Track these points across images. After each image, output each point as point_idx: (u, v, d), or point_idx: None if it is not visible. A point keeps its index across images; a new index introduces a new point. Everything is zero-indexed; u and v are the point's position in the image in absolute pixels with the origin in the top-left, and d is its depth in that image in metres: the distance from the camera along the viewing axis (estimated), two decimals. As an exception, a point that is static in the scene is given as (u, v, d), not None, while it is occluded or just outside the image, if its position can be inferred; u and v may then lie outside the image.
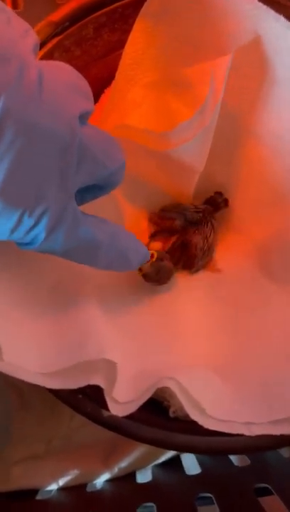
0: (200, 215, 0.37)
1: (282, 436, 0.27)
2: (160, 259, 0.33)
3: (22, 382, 0.45)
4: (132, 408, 0.26)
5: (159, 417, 0.30)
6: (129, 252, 0.28)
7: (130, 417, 0.26)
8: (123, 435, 0.29)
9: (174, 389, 0.27)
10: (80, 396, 0.28)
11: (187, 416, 0.29)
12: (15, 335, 0.26)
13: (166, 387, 0.27)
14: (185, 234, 0.37)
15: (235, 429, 0.27)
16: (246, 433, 0.27)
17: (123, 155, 0.25)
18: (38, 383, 0.26)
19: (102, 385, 0.26)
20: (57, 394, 0.28)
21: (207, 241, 0.36)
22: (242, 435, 0.27)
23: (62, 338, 0.27)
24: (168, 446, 0.30)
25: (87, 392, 0.28)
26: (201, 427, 0.26)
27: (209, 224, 0.37)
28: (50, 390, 0.27)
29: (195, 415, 0.27)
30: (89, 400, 0.28)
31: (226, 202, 0.38)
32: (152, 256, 0.32)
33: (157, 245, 0.36)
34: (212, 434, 0.27)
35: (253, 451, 0.29)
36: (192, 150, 0.31)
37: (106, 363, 0.27)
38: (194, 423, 0.27)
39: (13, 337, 0.26)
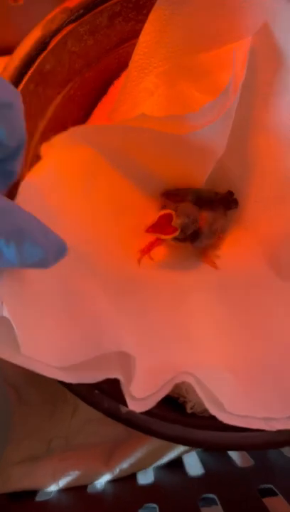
0: (214, 195, 0.36)
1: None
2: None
3: (20, 382, 0.44)
4: (151, 404, 0.26)
5: (176, 412, 0.30)
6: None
7: (148, 413, 0.26)
8: (142, 432, 0.28)
9: (193, 384, 0.26)
10: (97, 392, 0.27)
11: (204, 411, 0.29)
12: (34, 329, 0.25)
13: (182, 383, 0.27)
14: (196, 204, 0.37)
15: (254, 425, 0.27)
16: (266, 428, 0.26)
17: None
18: (56, 377, 0.25)
19: (121, 379, 0.25)
20: (74, 390, 0.27)
21: (215, 222, 0.36)
22: (261, 430, 0.26)
23: (79, 332, 0.27)
24: (189, 443, 0.30)
25: (104, 388, 0.28)
26: (220, 422, 0.26)
27: (221, 208, 0.37)
28: (67, 386, 0.26)
29: (214, 410, 0.26)
30: (106, 396, 0.27)
31: (236, 202, 0.38)
32: (170, 215, 0.32)
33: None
34: (231, 430, 0.27)
35: (274, 447, 0.29)
36: (214, 132, 0.31)
37: (123, 357, 0.26)
38: (212, 419, 0.26)
39: (31, 331, 0.25)
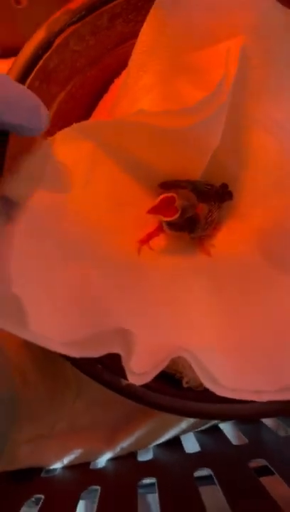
0: (209, 187, 0.38)
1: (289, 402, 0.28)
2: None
3: (25, 366, 0.46)
4: (149, 377, 0.28)
5: (173, 387, 0.32)
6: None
7: (146, 386, 0.28)
8: (142, 404, 0.30)
9: (189, 359, 0.28)
10: (99, 366, 0.30)
11: (199, 386, 0.31)
12: (40, 306, 0.27)
13: (179, 360, 0.29)
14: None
15: (246, 397, 0.29)
16: (257, 399, 0.28)
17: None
18: (61, 352, 0.27)
19: (122, 354, 0.27)
20: (78, 364, 0.29)
21: (211, 213, 0.38)
22: (252, 402, 0.28)
23: (82, 310, 0.29)
24: (185, 413, 0.32)
25: (106, 362, 0.30)
26: (214, 395, 0.28)
27: (216, 202, 0.38)
28: (71, 361, 0.28)
29: (208, 384, 0.28)
30: (107, 370, 0.29)
31: (230, 194, 0.40)
32: (173, 198, 0.34)
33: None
34: (225, 402, 0.29)
35: (263, 416, 0.31)
36: (208, 126, 0.33)
37: (124, 334, 0.28)
38: (206, 392, 0.28)
39: (38, 308, 0.27)
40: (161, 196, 0.34)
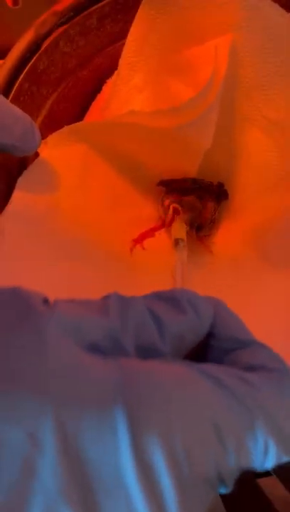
0: (209, 183, 0.38)
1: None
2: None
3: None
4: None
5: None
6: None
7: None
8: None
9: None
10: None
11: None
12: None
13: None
14: (198, 195, 0.38)
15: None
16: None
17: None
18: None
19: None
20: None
21: (215, 212, 0.38)
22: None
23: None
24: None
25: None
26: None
27: (214, 199, 0.39)
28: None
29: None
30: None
31: (226, 194, 0.40)
32: (177, 209, 0.34)
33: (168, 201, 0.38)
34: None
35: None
36: (199, 126, 0.32)
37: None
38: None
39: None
40: (170, 211, 0.35)
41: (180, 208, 0.36)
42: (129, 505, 0.12)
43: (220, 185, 0.40)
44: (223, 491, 0.15)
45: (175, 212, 0.36)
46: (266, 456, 0.15)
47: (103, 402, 0.13)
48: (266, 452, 0.15)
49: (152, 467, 0.13)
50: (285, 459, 0.15)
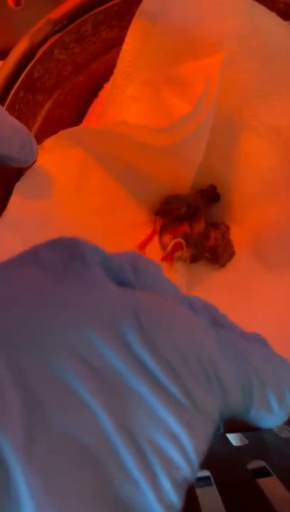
0: (200, 198, 0.39)
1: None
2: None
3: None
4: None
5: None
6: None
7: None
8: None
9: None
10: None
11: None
12: None
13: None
14: (193, 221, 0.39)
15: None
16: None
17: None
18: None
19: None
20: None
21: (224, 235, 0.39)
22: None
23: None
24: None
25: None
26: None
27: (206, 207, 0.39)
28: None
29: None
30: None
31: (217, 196, 0.40)
32: (181, 244, 0.35)
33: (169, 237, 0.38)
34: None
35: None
36: (190, 144, 0.32)
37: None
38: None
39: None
40: (171, 244, 0.36)
41: (183, 243, 0.37)
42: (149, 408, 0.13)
43: (212, 188, 0.40)
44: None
45: (178, 247, 0.37)
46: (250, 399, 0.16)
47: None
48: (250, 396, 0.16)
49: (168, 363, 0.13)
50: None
